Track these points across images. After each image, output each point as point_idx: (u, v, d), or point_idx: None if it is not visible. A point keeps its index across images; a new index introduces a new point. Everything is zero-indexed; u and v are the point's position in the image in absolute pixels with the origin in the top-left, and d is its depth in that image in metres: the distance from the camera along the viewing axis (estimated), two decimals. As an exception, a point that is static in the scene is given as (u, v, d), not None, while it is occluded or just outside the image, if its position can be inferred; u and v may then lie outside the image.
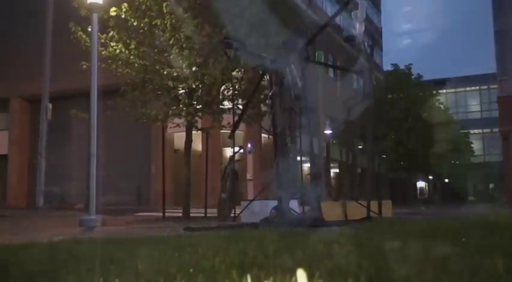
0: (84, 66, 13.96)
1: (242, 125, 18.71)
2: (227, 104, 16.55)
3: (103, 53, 14.67)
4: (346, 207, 12.91)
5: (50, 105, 16.19)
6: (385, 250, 3.05)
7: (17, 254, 3.78)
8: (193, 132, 16.64)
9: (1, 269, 2.79)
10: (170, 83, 15.54)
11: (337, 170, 38.54)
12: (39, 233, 8.32)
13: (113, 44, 15.02)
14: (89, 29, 12.87)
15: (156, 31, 15.12)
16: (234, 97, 15.83)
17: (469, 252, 2.90)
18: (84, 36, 14.85)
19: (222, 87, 16.20)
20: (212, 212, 16.41)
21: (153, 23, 14.99)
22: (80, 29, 15.06)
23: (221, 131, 18.78)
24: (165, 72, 15.09)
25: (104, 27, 14.63)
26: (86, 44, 14.51)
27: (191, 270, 2.38)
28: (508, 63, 34.40)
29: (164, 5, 14.66)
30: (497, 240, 3.64)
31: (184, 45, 14.83)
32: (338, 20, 29.09)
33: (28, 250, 4.04)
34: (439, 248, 3.20)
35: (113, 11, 14.72)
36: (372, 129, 19.14)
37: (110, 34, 15.00)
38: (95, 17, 11.69)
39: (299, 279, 1.75)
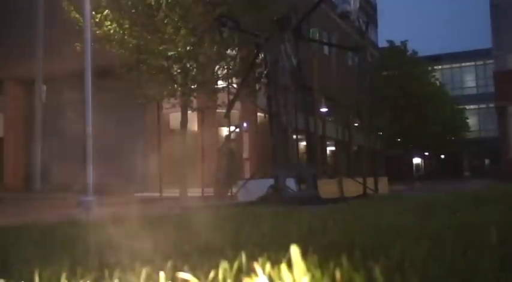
0: (78, 47, 13.78)
1: (237, 104, 18.66)
2: (222, 83, 16.50)
3: (97, 32, 14.52)
4: (343, 184, 13.02)
5: (44, 87, 16.10)
6: (378, 226, 3.09)
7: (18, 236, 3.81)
8: (189, 112, 16.61)
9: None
10: (165, 63, 15.45)
11: (333, 148, 38.62)
12: (37, 216, 8.36)
13: (107, 23, 14.84)
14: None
15: (150, 10, 14.96)
16: (229, 76, 15.78)
17: (461, 226, 2.94)
18: (77, 15, 14.67)
19: (216, 67, 16.13)
20: (209, 191, 16.49)
21: (147, 1, 14.82)
22: (72, 8, 14.88)
23: (217, 110, 18.75)
24: (159, 52, 14.99)
25: (97, 7, 14.46)
26: (79, 23, 14.33)
27: (186, 248, 2.41)
28: (504, 38, 34.26)
29: None
30: (488, 213, 3.68)
31: (179, 24, 14.68)
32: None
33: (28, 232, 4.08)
34: (433, 223, 3.24)
35: None
36: (368, 106, 19.13)
37: (105, 13, 14.81)
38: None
39: (293, 255, 1.77)
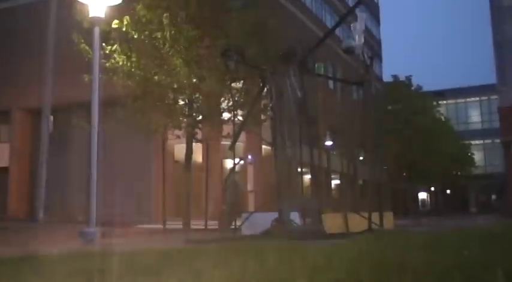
0: (86, 78, 13.87)
1: (242, 136, 18.70)
2: (227, 115, 16.57)
3: (106, 65, 14.69)
4: (348, 219, 12.88)
5: (51, 117, 16.16)
6: (384, 263, 3.04)
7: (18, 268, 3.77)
8: (194, 143, 16.62)
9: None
10: (170, 95, 15.56)
11: (338, 181, 38.43)
12: (39, 246, 8.29)
13: (115, 56, 15.04)
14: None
15: (157, 43, 15.16)
16: (234, 108, 15.85)
17: (467, 264, 2.89)
18: (87, 48, 14.85)
19: (221, 99, 16.22)
20: (213, 224, 16.36)
21: (153, 35, 15.03)
22: (82, 40, 15.09)
23: (221, 142, 18.78)
24: (166, 83, 15.11)
25: (105, 39, 14.67)
26: (89, 56, 14.48)
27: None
28: (508, 74, 34.46)
29: (164, 16, 14.61)
30: (495, 252, 3.63)
31: (183, 56, 14.83)
32: (338, 31, 29.20)
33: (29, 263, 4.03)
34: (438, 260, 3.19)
35: (115, 24, 14.78)
36: (373, 140, 19.08)
37: (114, 47, 15.03)
38: (97, 30, 11.71)
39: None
